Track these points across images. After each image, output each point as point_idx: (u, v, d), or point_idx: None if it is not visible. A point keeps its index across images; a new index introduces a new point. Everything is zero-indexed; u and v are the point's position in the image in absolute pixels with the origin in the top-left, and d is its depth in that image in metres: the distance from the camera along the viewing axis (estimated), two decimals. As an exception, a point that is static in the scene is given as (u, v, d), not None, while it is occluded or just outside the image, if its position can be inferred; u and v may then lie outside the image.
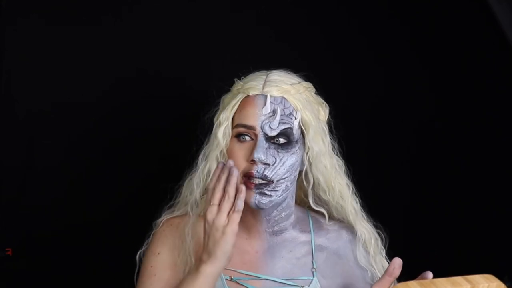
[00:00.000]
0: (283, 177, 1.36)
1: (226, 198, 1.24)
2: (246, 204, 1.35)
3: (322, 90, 1.47)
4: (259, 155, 1.32)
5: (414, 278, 1.18)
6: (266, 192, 1.34)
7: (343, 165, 1.47)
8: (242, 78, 1.43)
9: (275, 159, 1.34)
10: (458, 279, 1.07)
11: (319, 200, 1.47)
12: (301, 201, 1.50)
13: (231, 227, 1.24)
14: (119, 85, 1.83)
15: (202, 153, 1.42)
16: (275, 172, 1.34)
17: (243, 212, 1.36)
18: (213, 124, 1.42)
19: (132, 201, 1.81)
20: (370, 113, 1.98)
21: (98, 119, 1.82)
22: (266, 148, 1.34)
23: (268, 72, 1.41)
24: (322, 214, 1.48)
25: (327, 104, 1.46)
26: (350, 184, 1.47)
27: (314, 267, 1.43)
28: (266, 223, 1.41)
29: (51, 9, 1.76)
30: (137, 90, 1.84)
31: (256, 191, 1.33)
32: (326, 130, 1.44)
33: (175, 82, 1.86)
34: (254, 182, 1.33)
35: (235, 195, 1.25)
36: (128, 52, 1.82)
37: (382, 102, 1.97)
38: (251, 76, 1.41)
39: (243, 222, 1.39)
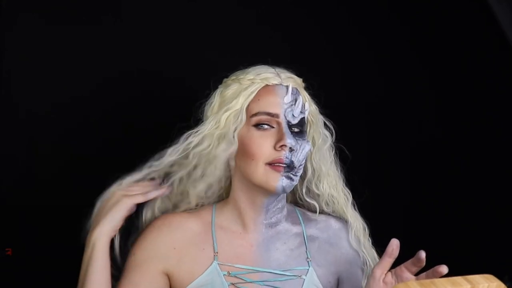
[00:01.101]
0: (301, 163, 1.40)
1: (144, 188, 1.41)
2: (248, 196, 1.39)
3: (322, 90, 1.47)
4: (290, 140, 1.35)
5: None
6: (291, 175, 1.38)
7: (337, 156, 1.51)
8: (242, 72, 1.43)
9: (298, 144, 1.38)
10: (458, 279, 1.08)
11: (309, 194, 1.51)
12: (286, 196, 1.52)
13: (130, 199, 1.38)
14: (120, 85, 1.83)
15: (197, 135, 1.40)
16: (297, 159, 1.38)
17: (241, 206, 1.38)
18: (204, 117, 1.43)
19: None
20: (370, 113, 1.98)
21: (98, 119, 1.82)
22: (290, 134, 1.37)
23: (271, 66, 1.44)
24: (307, 208, 1.52)
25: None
26: (342, 175, 1.51)
27: (309, 257, 1.44)
28: (265, 214, 1.43)
29: (51, 9, 1.76)
30: (137, 90, 1.84)
31: (284, 174, 1.36)
32: (322, 121, 1.49)
33: (175, 82, 1.86)
34: (282, 165, 1.36)
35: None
36: (128, 52, 1.82)
37: (382, 102, 1.97)
38: (257, 69, 1.42)
39: (238, 217, 1.42)
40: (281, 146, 1.35)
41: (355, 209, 1.51)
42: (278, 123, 1.38)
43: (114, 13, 1.81)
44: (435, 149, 1.97)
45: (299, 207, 1.54)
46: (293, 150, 1.36)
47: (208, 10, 1.87)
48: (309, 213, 1.51)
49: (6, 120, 1.75)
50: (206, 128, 1.40)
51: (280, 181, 1.36)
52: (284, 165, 1.35)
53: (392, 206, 1.95)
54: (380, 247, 1.51)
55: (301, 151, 1.38)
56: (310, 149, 1.42)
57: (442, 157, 1.96)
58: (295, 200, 1.54)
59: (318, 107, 1.48)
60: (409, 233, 1.94)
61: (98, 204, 1.42)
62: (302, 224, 1.49)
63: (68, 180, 1.81)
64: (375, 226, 1.53)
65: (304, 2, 1.94)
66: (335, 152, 1.50)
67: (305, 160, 1.44)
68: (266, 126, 1.38)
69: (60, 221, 1.81)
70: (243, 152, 1.38)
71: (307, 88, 1.47)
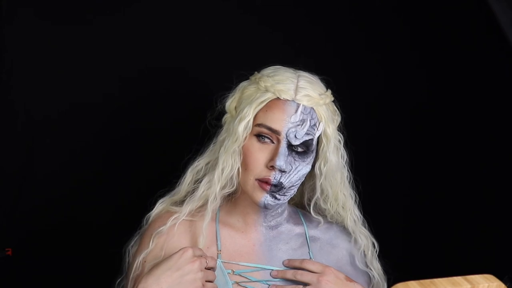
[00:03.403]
0: (294, 184, 1.38)
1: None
2: (249, 199, 1.38)
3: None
4: (280, 163, 1.33)
5: (414, 278, 1.19)
6: (277, 195, 1.36)
7: (350, 176, 1.48)
8: (265, 71, 1.41)
9: (292, 167, 1.35)
10: (458, 279, 1.08)
11: (315, 206, 1.49)
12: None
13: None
14: (120, 85, 1.83)
15: (222, 147, 1.39)
16: (289, 180, 1.36)
17: (243, 205, 1.39)
18: (224, 109, 1.43)
19: (133, 201, 1.81)
20: (369, 113, 1.98)
21: (98, 119, 1.82)
22: (287, 156, 1.34)
23: (297, 73, 1.40)
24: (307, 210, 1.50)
25: (339, 114, 1.46)
26: (353, 194, 1.48)
27: (311, 257, 1.45)
28: (264, 217, 1.43)
29: (51, 9, 1.75)
30: (138, 90, 1.84)
31: (269, 192, 1.35)
32: (342, 142, 1.45)
33: (175, 82, 1.86)
34: (269, 184, 1.34)
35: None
36: (128, 52, 1.81)
37: (382, 102, 1.97)
38: (280, 75, 1.38)
39: (241, 217, 1.41)
40: (271, 166, 1.34)
41: (364, 227, 1.50)
42: (278, 140, 1.35)
43: (115, 13, 1.81)
44: (435, 149, 1.97)
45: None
46: (285, 171, 1.34)
47: (211, 8, 1.87)
48: (310, 215, 1.50)
49: (6, 120, 1.75)
50: (228, 143, 1.37)
51: (263, 198, 1.35)
52: (271, 185, 1.34)
53: (392, 206, 1.95)
54: (380, 246, 1.52)
55: (296, 173, 1.36)
56: (308, 171, 1.39)
57: (442, 157, 1.96)
58: (302, 204, 1.53)
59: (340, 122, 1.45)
60: (409, 233, 1.95)
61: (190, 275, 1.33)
62: (304, 225, 1.49)
63: (69, 180, 1.81)
64: (375, 226, 1.53)
65: (306, 2, 1.94)
66: (348, 172, 1.46)
67: (314, 179, 1.43)
68: (267, 139, 1.35)
69: (61, 221, 1.81)
70: (243, 161, 1.38)
71: (333, 102, 1.43)
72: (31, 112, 1.77)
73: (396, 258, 1.51)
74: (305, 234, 1.47)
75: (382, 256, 1.52)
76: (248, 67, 1.46)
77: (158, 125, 1.83)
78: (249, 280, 1.38)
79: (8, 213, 1.76)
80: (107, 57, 1.80)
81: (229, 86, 1.46)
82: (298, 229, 1.48)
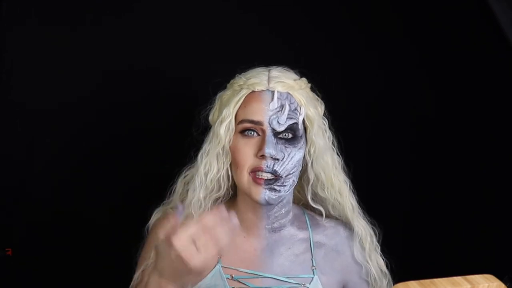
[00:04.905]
0: (291, 172, 1.37)
1: None
2: (248, 201, 1.36)
3: (322, 88, 1.47)
4: (269, 150, 1.33)
5: (414, 278, 1.18)
6: (276, 187, 1.35)
7: (341, 161, 1.48)
8: (238, 76, 1.42)
9: (284, 154, 1.35)
10: (458, 279, 1.08)
11: (315, 197, 1.48)
12: (295, 198, 1.50)
13: None
14: (119, 84, 1.83)
15: (202, 151, 1.41)
16: (284, 168, 1.35)
17: (242, 209, 1.38)
18: (208, 122, 1.43)
19: (133, 200, 1.81)
20: (370, 113, 1.98)
21: (98, 119, 1.82)
22: (275, 143, 1.34)
23: (268, 68, 1.41)
24: (317, 212, 1.49)
25: (321, 101, 1.47)
26: (348, 181, 1.48)
27: (314, 265, 1.43)
28: (267, 219, 1.42)
29: (51, 9, 1.75)
30: (137, 89, 1.84)
31: (266, 187, 1.34)
32: (326, 125, 1.45)
33: (175, 82, 1.86)
34: (263, 177, 1.34)
35: None
36: (128, 52, 1.81)
37: (382, 103, 1.97)
38: (252, 72, 1.41)
39: (241, 220, 1.40)
40: (261, 155, 1.34)
41: (361, 216, 1.49)
42: (263, 131, 1.35)
43: (115, 13, 1.81)
44: (435, 149, 1.97)
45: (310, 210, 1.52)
46: (277, 159, 1.34)
47: (209, 11, 1.87)
48: (318, 218, 1.49)
49: (6, 119, 1.75)
50: (211, 147, 1.39)
51: (262, 194, 1.34)
52: (265, 178, 1.34)
53: (392, 206, 1.95)
54: (380, 246, 1.52)
55: (290, 159, 1.36)
56: (302, 157, 1.39)
57: (442, 157, 1.96)
58: (307, 202, 1.51)
59: (324, 109, 1.46)
60: (408, 233, 1.95)
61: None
62: (310, 230, 1.47)
63: (69, 179, 1.81)
64: (374, 226, 1.52)
65: (306, 3, 1.94)
66: (338, 156, 1.47)
67: (306, 166, 1.43)
68: (252, 134, 1.36)
69: (61, 221, 1.81)
70: (232, 160, 1.38)
71: (312, 89, 1.45)
72: (31, 112, 1.77)
73: (396, 258, 1.51)
74: (310, 239, 1.46)
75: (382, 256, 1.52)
76: (248, 67, 1.46)
77: (158, 124, 1.83)
78: (248, 287, 1.38)
79: (8, 213, 1.76)
80: (107, 58, 1.80)
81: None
82: (302, 234, 1.46)
